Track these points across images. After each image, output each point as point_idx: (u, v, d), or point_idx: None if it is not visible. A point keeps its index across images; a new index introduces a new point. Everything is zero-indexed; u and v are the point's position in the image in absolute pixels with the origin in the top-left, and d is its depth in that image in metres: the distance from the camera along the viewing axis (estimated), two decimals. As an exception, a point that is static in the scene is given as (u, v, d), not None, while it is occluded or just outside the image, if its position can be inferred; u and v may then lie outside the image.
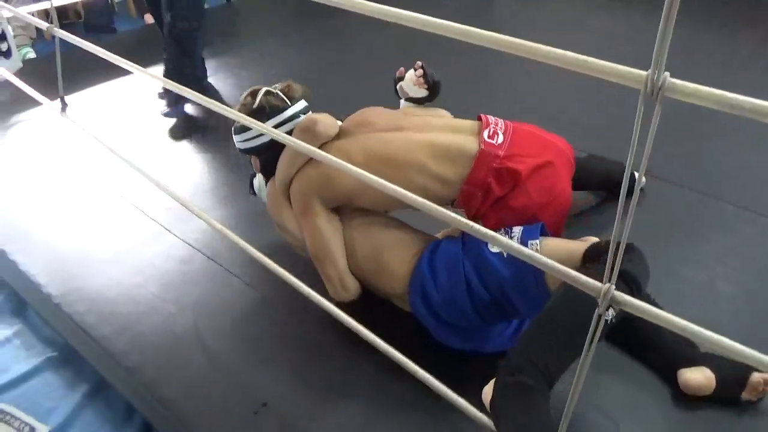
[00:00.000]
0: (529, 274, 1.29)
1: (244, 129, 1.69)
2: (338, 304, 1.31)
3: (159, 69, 3.17)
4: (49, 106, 1.71)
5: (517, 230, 1.40)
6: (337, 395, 1.46)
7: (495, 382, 1.16)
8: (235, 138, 1.74)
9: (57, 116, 2.30)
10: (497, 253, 1.36)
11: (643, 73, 0.66)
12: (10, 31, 2.93)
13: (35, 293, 1.85)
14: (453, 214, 0.94)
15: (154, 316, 1.70)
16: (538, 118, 1.79)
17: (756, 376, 1.29)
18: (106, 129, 2.57)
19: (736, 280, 1.69)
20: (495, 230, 1.02)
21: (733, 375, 1.31)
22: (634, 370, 1.43)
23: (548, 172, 1.58)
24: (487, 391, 1.16)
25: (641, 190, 0.61)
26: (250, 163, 1.84)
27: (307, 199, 1.58)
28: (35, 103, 2.80)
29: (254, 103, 1.67)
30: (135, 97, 2.97)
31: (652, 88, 0.65)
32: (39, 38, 4.07)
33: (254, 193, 1.85)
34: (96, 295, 1.79)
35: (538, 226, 1.42)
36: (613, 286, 0.76)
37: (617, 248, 0.75)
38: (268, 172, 1.74)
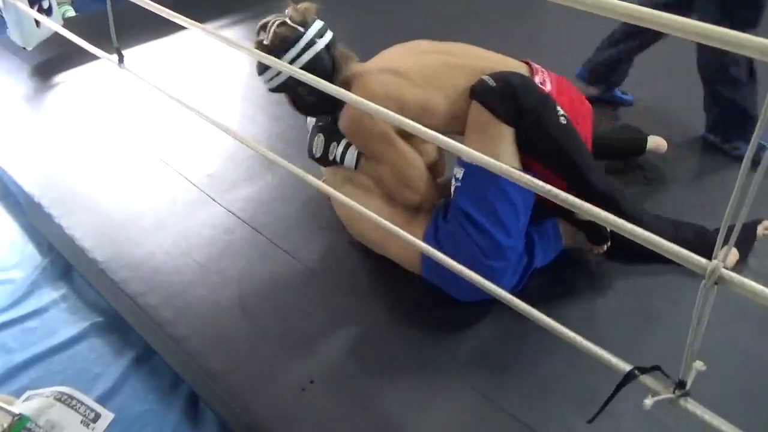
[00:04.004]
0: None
1: (265, 68, 1.61)
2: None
3: (214, 24, 3.07)
4: (106, 58, 1.64)
5: None
6: (387, 372, 1.44)
7: None
8: (260, 79, 1.66)
9: (107, 72, 2.17)
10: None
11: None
12: (50, -12, 2.88)
13: (81, 258, 1.85)
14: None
15: (200, 286, 1.69)
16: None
17: (760, 229, 1.64)
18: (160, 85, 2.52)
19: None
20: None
21: (746, 237, 1.64)
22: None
23: (586, 126, 1.66)
24: None
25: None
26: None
27: (382, 133, 1.57)
28: (79, 62, 2.79)
29: (266, 38, 1.57)
30: (187, 53, 2.89)
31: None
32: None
33: (314, 158, 1.76)
34: (141, 263, 1.78)
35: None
36: (722, 264, 0.72)
37: (727, 230, 0.71)
38: (300, 108, 1.69)
